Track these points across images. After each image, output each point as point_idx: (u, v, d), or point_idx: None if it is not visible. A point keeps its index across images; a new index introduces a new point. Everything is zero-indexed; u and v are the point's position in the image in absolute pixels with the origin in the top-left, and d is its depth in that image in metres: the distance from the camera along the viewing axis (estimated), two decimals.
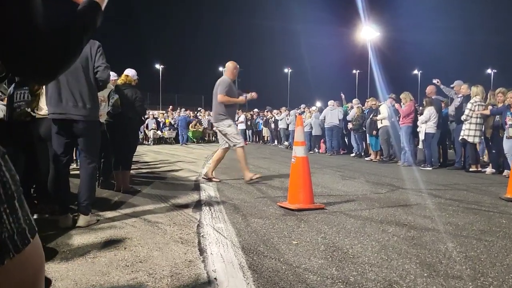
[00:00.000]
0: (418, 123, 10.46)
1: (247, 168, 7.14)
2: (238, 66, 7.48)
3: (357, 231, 3.82)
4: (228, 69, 7.47)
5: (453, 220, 4.32)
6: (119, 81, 6.18)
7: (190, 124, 24.11)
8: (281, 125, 19.64)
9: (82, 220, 4.05)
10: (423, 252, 3.21)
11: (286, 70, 66.82)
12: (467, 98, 9.52)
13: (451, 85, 10.58)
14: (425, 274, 2.73)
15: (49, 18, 0.93)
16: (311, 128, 16.00)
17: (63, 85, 4.02)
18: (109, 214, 4.54)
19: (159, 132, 23.14)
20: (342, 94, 16.64)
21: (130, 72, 6.23)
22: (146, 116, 22.64)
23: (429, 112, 10.14)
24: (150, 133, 22.66)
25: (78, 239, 3.59)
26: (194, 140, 23.95)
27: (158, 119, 24.72)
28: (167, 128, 23.75)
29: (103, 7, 1.19)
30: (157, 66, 63.21)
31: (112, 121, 5.95)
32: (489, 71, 57.54)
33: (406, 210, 4.81)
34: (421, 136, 10.34)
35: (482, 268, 2.86)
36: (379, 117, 11.83)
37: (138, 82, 6.42)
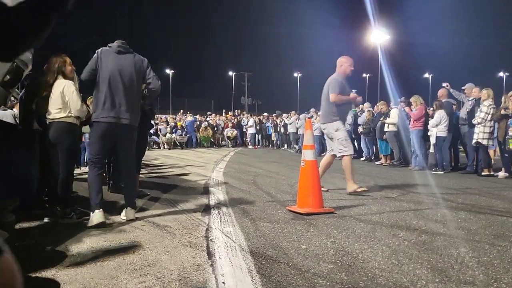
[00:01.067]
0: (429, 126, 10.36)
1: (352, 179, 6.32)
2: (352, 61, 6.76)
3: (367, 236, 3.77)
4: (340, 65, 6.71)
5: (465, 225, 4.25)
6: None
7: (200, 128, 23.68)
8: (291, 129, 19.61)
9: (131, 213, 4.48)
10: (434, 257, 3.16)
11: (295, 75, 66.77)
12: (478, 101, 9.42)
13: (463, 87, 10.47)
14: (437, 280, 2.68)
15: None
16: (320, 132, 15.94)
17: (118, 92, 4.41)
18: (119, 218, 4.54)
19: (173, 135, 22.36)
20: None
21: None
22: (157, 121, 22.63)
23: (440, 115, 10.05)
24: (164, 138, 21.88)
25: (87, 242, 3.60)
26: (204, 144, 23.53)
27: (170, 124, 24.03)
28: (179, 131, 23.01)
29: None
30: (167, 71, 63.65)
31: None
32: (501, 74, 56.96)
33: (417, 215, 4.75)
34: (432, 140, 10.23)
35: (495, 273, 2.80)
36: (387, 120, 11.75)
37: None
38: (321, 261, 3.04)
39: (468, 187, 7.37)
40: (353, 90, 7.01)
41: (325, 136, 6.93)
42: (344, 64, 6.69)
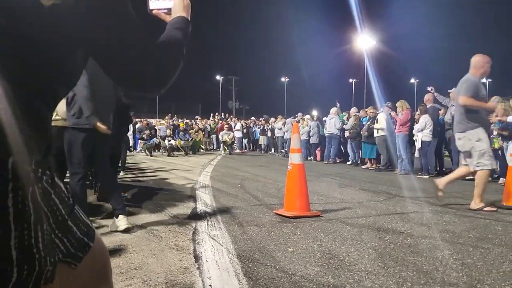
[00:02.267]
0: (414, 131, 10.46)
1: (481, 196, 5.47)
2: (489, 60, 5.77)
3: (353, 239, 3.80)
4: (475, 65, 5.70)
5: (450, 228, 4.31)
6: None
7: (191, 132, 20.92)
8: (278, 133, 19.65)
9: (124, 220, 4.08)
10: (420, 259, 3.20)
11: (283, 79, 67.03)
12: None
13: (449, 91, 10.58)
14: (422, 282, 2.71)
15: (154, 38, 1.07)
16: (308, 136, 16.02)
17: (95, 95, 4.06)
18: (104, 221, 4.50)
19: (172, 142, 18.67)
20: (337, 103, 16.66)
21: None
22: (154, 125, 21.74)
23: (424, 120, 10.16)
24: (165, 142, 18.48)
25: None
26: (201, 148, 21.53)
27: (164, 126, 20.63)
28: (182, 134, 19.52)
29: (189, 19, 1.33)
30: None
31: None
32: (484, 80, 57.86)
33: (403, 218, 4.80)
34: (418, 145, 10.33)
35: (478, 275, 2.84)
36: (376, 126, 11.84)
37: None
38: (308, 264, 3.05)
39: (452, 191, 7.45)
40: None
41: (458, 148, 5.97)
42: (485, 65, 5.72)
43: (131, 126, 18.17)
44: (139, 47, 1.01)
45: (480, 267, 3.02)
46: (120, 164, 8.20)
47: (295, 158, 4.96)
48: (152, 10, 1.40)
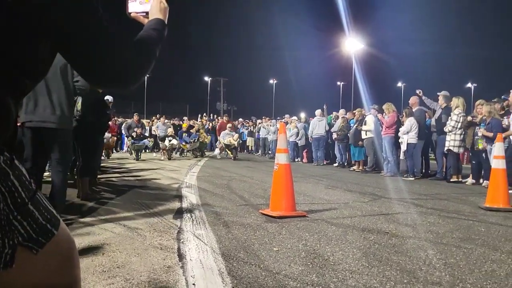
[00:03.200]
0: (400, 134, 10.53)
1: None
2: None
3: (338, 239, 3.81)
4: None
5: (434, 229, 4.34)
6: None
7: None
8: (266, 134, 19.68)
9: None
10: (403, 259, 3.21)
11: (271, 81, 67.11)
12: (446, 109, 9.69)
13: (438, 93, 10.67)
14: (405, 281, 2.72)
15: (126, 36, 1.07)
16: (295, 137, 16.05)
17: (41, 91, 3.94)
18: (88, 219, 4.45)
19: (174, 141, 16.12)
20: (324, 106, 16.72)
21: None
22: (151, 125, 21.01)
23: (410, 122, 10.24)
24: (166, 143, 15.73)
25: None
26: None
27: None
28: (186, 136, 17.16)
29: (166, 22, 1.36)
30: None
31: (75, 127, 5.87)
32: (469, 85, 58.60)
33: (388, 219, 4.82)
34: (403, 147, 10.41)
35: (460, 274, 2.87)
36: (364, 127, 11.91)
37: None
38: (292, 263, 3.05)
39: (437, 192, 7.53)
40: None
41: None
42: None
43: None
44: (106, 42, 1.02)
45: (462, 267, 3.04)
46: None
47: (281, 158, 4.96)
48: (130, 13, 1.44)
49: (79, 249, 3.34)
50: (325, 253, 3.34)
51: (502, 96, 9.56)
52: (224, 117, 21.21)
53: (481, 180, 8.94)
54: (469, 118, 9.06)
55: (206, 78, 64.01)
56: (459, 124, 9.19)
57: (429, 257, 3.27)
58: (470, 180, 9.16)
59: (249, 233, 3.94)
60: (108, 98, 8.95)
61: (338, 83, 63.23)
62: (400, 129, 10.56)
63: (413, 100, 10.92)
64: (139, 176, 9.57)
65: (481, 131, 8.38)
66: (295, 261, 3.10)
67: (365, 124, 12.00)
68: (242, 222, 4.45)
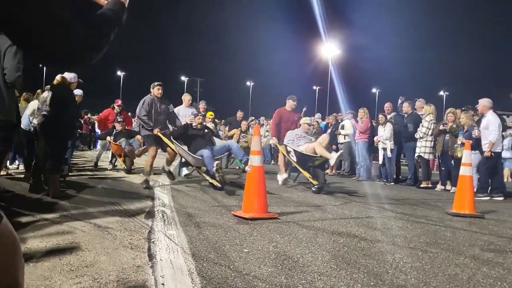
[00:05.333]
0: (382, 139, 10.54)
1: None
2: None
3: (308, 241, 3.85)
4: None
5: (402, 233, 4.44)
6: (54, 82, 6.06)
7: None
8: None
9: None
10: (371, 262, 3.28)
11: (248, 83, 67.20)
12: (413, 116, 9.95)
13: (418, 100, 10.87)
14: (372, 283, 2.78)
15: (78, 14, 1.05)
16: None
17: None
18: (58, 218, 4.38)
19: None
20: (304, 108, 16.81)
21: (68, 75, 6.08)
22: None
23: (389, 129, 10.39)
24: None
25: (21, 243, 3.44)
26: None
27: None
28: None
29: (126, 5, 1.31)
30: (119, 72, 62.56)
31: (44, 122, 5.79)
32: (441, 93, 60.01)
33: (358, 222, 4.90)
34: (388, 153, 10.41)
35: (425, 277, 2.95)
36: (343, 132, 12.04)
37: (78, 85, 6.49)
38: (262, 265, 3.07)
39: (407, 198, 7.69)
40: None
41: None
42: None
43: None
44: (55, 20, 0.99)
45: (427, 270, 3.13)
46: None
47: (255, 160, 4.99)
48: None
49: (46, 248, 3.30)
50: (295, 255, 3.38)
51: (476, 106, 9.84)
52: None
53: (449, 187, 9.18)
54: (441, 126, 9.29)
55: (183, 78, 63.69)
56: (430, 131, 9.42)
57: (396, 261, 3.35)
58: (439, 186, 9.39)
59: (220, 234, 3.95)
60: (78, 92, 8.76)
61: (314, 87, 63.81)
62: (382, 135, 10.62)
63: (388, 106, 11.14)
64: (111, 174, 9.45)
65: (460, 139, 8.58)
66: (265, 263, 3.12)
67: (342, 129, 12.15)
68: (214, 223, 4.45)
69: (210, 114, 11.78)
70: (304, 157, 7.83)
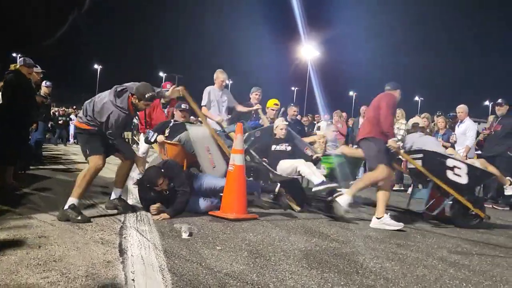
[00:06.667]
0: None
1: None
2: None
3: (281, 240, 3.87)
4: None
5: (373, 234, 4.50)
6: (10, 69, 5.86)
7: None
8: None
9: None
10: (342, 262, 3.32)
11: (228, 82, 67.04)
12: None
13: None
14: (342, 283, 2.81)
15: None
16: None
17: None
18: (26, 211, 4.28)
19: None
20: (282, 109, 16.77)
21: (21, 61, 5.90)
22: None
23: None
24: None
25: None
26: None
27: None
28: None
29: None
30: (95, 66, 61.75)
31: None
32: (416, 98, 61.18)
33: (331, 223, 4.94)
34: None
35: (394, 278, 3.00)
36: (319, 133, 12.11)
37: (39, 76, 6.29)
38: (234, 262, 3.07)
39: None
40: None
41: None
42: None
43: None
44: None
45: (396, 271, 3.18)
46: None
47: (237, 158, 4.87)
48: None
49: (13, 241, 3.22)
50: (267, 253, 3.39)
51: (451, 114, 10.05)
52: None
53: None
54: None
55: (161, 74, 63.09)
56: (399, 136, 9.59)
57: (366, 261, 3.39)
58: (410, 189, 9.55)
59: (194, 231, 3.92)
60: (45, 83, 8.53)
61: (293, 88, 64.11)
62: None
63: (364, 108, 11.28)
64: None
65: (439, 142, 8.71)
66: (237, 260, 3.12)
67: (318, 129, 12.23)
68: (187, 220, 4.42)
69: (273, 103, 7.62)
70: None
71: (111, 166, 5.06)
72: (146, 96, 4.47)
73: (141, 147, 7.15)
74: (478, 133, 8.89)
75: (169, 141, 5.67)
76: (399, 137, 9.46)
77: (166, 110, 7.04)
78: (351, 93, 64.83)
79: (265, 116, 7.18)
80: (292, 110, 9.24)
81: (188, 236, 3.68)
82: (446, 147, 8.53)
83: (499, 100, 8.05)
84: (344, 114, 12.33)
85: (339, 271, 3.07)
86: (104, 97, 4.38)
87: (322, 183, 5.38)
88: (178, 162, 5.19)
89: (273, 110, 7.41)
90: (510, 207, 7.80)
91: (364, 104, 11.49)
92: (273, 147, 6.02)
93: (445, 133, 8.68)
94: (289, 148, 6.05)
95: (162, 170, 4.64)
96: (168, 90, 5.27)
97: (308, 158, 6.02)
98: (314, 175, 5.52)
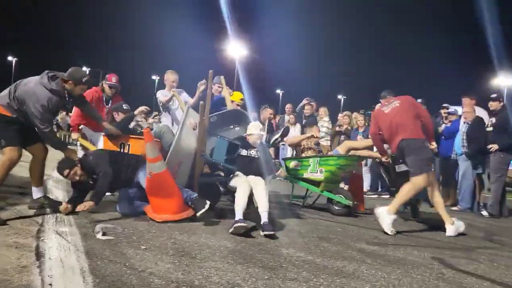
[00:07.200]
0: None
1: None
2: None
3: (207, 237, 3.89)
4: None
5: (297, 228, 4.65)
6: None
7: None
8: None
9: None
10: (267, 256, 3.40)
11: (154, 77, 65.49)
12: (314, 117, 10.50)
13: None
14: (266, 277, 2.89)
15: None
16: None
17: None
18: None
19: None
20: (253, 114, 16.62)
21: None
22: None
23: (299, 129, 10.76)
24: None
25: None
26: None
27: None
28: None
29: None
30: (9, 58, 58.11)
31: None
32: (339, 96, 63.71)
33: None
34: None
35: (315, 270, 3.13)
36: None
37: None
38: (159, 261, 3.04)
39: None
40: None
41: None
42: None
43: None
44: None
45: (318, 263, 3.32)
46: None
47: (155, 167, 4.35)
48: None
49: None
50: (193, 251, 3.39)
51: (369, 112, 10.57)
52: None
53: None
54: (337, 128, 9.88)
55: (84, 68, 60.44)
56: (329, 131, 10.00)
57: (290, 255, 3.51)
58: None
59: (117, 231, 3.83)
60: None
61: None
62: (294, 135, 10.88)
63: (288, 107, 11.57)
64: None
65: (360, 139, 9.11)
66: (162, 259, 3.09)
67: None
68: (110, 219, 4.30)
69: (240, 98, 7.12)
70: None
71: (25, 164, 4.75)
72: (84, 80, 4.34)
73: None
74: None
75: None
76: (322, 134, 9.86)
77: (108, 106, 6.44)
78: (278, 91, 66.03)
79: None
80: (268, 112, 8.79)
81: (102, 236, 3.57)
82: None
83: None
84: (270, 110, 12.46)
85: (264, 266, 3.14)
86: (32, 81, 4.21)
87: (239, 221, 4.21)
88: (106, 152, 4.88)
89: (238, 105, 6.87)
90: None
91: (290, 102, 11.80)
92: (243, 151, 5.17)
93: (365, 131, 9.13)
94: (257, 155, 5.21)
95: (77, 161, 4.50)
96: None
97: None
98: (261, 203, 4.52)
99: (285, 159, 6.59)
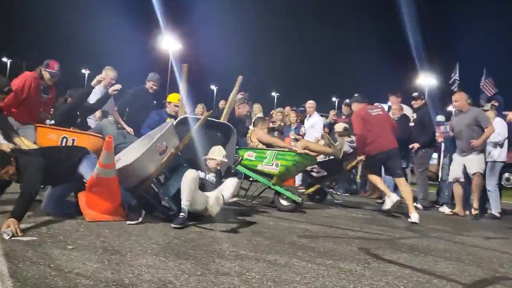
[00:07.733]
0: None
1: None
2: None
3: (138, 234, 3.80)
4: None
5: (230, 224, 4.65)
6: None
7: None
8: None
9: None
10: (200, 252, 3.39)
11: (83, 71, 62.80)
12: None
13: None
14: (198, 273, 2.88)
15: None
16: None
17: None
18: None
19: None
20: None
21: None
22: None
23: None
24: None
25: None
26: None
27: None
28: None
29: None
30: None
31: None
32: (273, 93, 64.78)
33: (189, 216, 4.98)
34: None
35: (248, 264, 3.16)
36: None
37: None
38: (87, 261, 2.93)
39: (240, 191, 8.08)
40: None
41: None
42: None
43: None
44: None
45: (250, 258, 3.36)
46: None
47: (104, 172, 4.13)
48: None
49: None
50: (124, 249, 3.30)
51: (301, 108, 10.81)
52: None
53: None
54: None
55: (5, 59, 56.84)
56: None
57: (223, 250, 3.52)
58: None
59: (42, 231, 3.64)
60: None
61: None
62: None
63: (222, 104, 11.56)
64: None
65: (292, 135, 9.29)
66: (91, 259, 2.99)
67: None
68: (35, 219, 4.06)
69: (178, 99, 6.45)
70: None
71: None
72: (5, 89, 4.38)
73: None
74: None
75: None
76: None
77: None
78: (212, 86, 65.81)
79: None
80: (246, 109, 7.61)
81: (9, 237, 3.33)
82: (297, 139, 9.24)
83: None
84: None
85: (197, 262, 3.13)
86: None
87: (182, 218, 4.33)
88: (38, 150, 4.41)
89: (176, 106, 6.29)
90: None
91: (224, 98, 11.77)
92: (201, 174, 4.80)
93: (297, 127, 9.34)
94: (214, 181, 4.94)
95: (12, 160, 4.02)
96: None
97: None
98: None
99: (239, 149, 6.27)
